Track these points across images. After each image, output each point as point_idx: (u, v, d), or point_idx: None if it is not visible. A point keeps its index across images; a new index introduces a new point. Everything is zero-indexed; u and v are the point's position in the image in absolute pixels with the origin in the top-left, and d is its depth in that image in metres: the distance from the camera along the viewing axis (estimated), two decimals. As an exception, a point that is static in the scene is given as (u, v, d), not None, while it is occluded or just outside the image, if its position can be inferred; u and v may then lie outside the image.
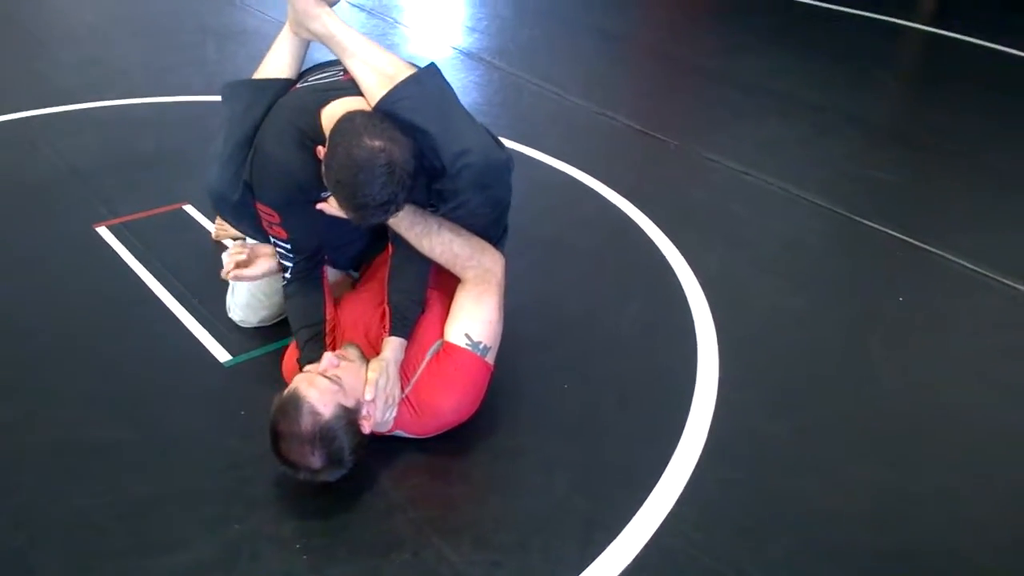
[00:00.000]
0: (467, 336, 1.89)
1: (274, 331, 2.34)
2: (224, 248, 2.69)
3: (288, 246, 1.93)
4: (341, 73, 1.96)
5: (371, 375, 1.82)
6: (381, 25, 5.21)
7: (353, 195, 1.70)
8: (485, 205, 1.87)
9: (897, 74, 5.12)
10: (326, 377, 1.76)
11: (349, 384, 1.79)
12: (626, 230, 3.00)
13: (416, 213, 1.90)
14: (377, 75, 1.83)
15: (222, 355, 2.25)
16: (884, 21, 5.88)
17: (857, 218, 3.13)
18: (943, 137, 3.94)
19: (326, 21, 1.93)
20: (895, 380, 2.33)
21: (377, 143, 1.66)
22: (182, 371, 2.20)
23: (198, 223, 2.87)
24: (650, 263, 2.80)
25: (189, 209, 2.94)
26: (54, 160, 3.23)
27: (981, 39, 5.39)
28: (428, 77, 1.83)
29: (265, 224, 1.92)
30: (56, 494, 1.82)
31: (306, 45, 2.05)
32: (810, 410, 2.21)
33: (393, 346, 1.89)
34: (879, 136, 4.02)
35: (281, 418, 1.73)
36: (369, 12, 5.50)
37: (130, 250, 2.68)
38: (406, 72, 1.83)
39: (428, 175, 1.82)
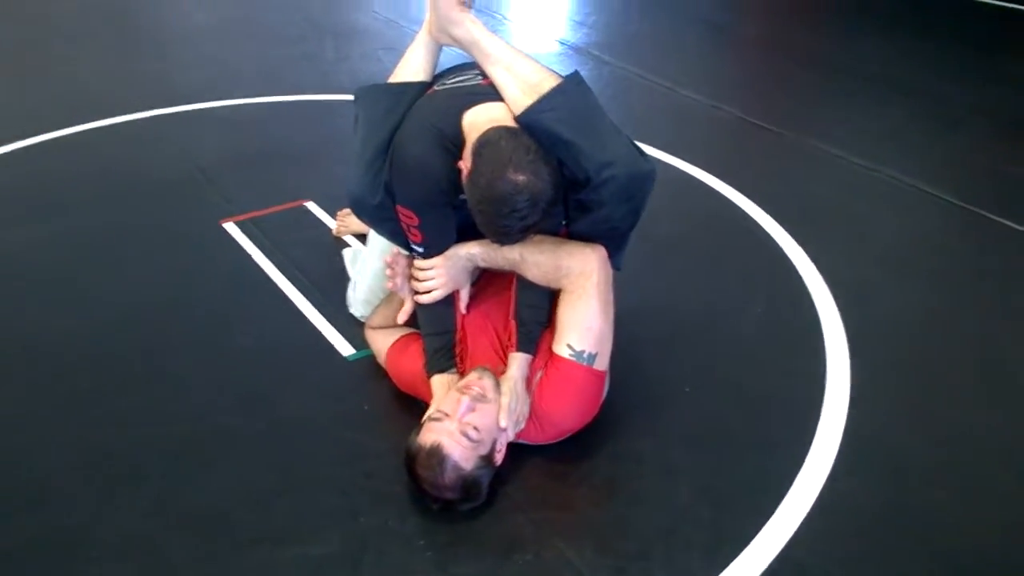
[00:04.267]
0: (569, 347, 1.85)
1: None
2: (344, 244, 2.75)
3: (422, 249, 1.94)
4: (480, 77, 1.96)
5: (503, 400, 1.82)
6: (486, 20, 5.20)
7: (491, 222, 1.72)
8: (627, 217, 1.84)
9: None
10: (466, 435, 1.76)
11: (485, 427, 1.79)
12: (745, 227, 2.92)
13: (498, 248, 1.89)
14: (520, 84, 1.82)
15: (345, 349, 2.29)
16: (1016, 10, 5.54)
17: (987, 214, 2.95)
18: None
19: (470, 27, 1.92)
20: (1039, 388, 2.19)
21: (521, 178, 1.66)
22: (307, 363, 2.25)
23: (319, 220, 2.93)
24: (772, 262, 2.71)
25: (310, 206, 3.01)
26: (180, 158, 3.36)
27: None
28: (572, 86, 1.81)
29: (404, 227, 1.94)
30: (186, 482, 1.89)
31: (440, 49, 2.06)
32: (947, 417, 2.10)
33: (520, 363, 1.89)
34: (1010, 130, 3.79)
35: (423, 467, 1.75)
36: (474, 8, 5.51)
37: (257, 245, 2.75)
38: (550, 81, 1.81)
39: (570, 185, 1.80)
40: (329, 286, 2.55)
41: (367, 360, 2.25)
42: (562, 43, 4.87)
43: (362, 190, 1.95)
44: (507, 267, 1.94)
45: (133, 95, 3.93)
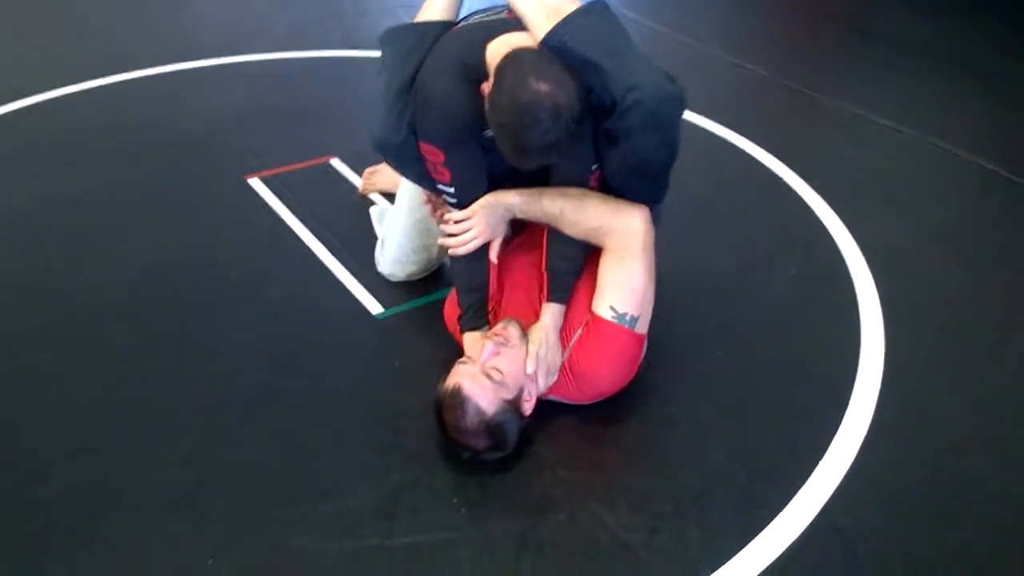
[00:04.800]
0: (612, 308, 1.84)
1: (424, 285, 2.36)
2: (371, 202, 2.73)
3: (451, 189, 1.91)
4: (505, 12, 1.92)
5: (531, 348, 1.80)
6: None
7: (515, 138, 1.66)
8: (659, 149, 1.79)
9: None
10: (487, 376, 1.76)
11: (510, 373, 1.78)
12: (776, 190, 2.87)
13: (538, 200, 1.86)
14: (543, 9, 1.77)
15: (374, 307, 2.28)
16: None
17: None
18: None
19: None
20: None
21: (543, 86, 1.61)
22: (336, 322, 2.24)
23: (345, 177, 2.91)
24: (806, 227, 2.67)
25: (336, 163, 2.98)
26: (203, 114, 3.33)
27: None
28: (597, 9, 1.77)
29: (429, 166, 1.91)
30: (221, 438, 1.89)
31: None
32: (983, 384, 2.08)
33: (552, 312, 1.87)
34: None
35: (446, 410, 1.75)
36: None
37: (283, 202, 2.73)
38: (573, 6, 1.77)
39: (597, 113, 1.76)
40: (356, 244, 2.53)
41: (397, 318, 2.24)
42: None
43: (385, 129, 1.92)
44: (545, 221, 1.90)
45: (155, 49, 3.89)
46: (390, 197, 2.72)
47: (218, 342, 2.16)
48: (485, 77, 1.77)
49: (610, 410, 1.94)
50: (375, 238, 2.52)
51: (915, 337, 2.20)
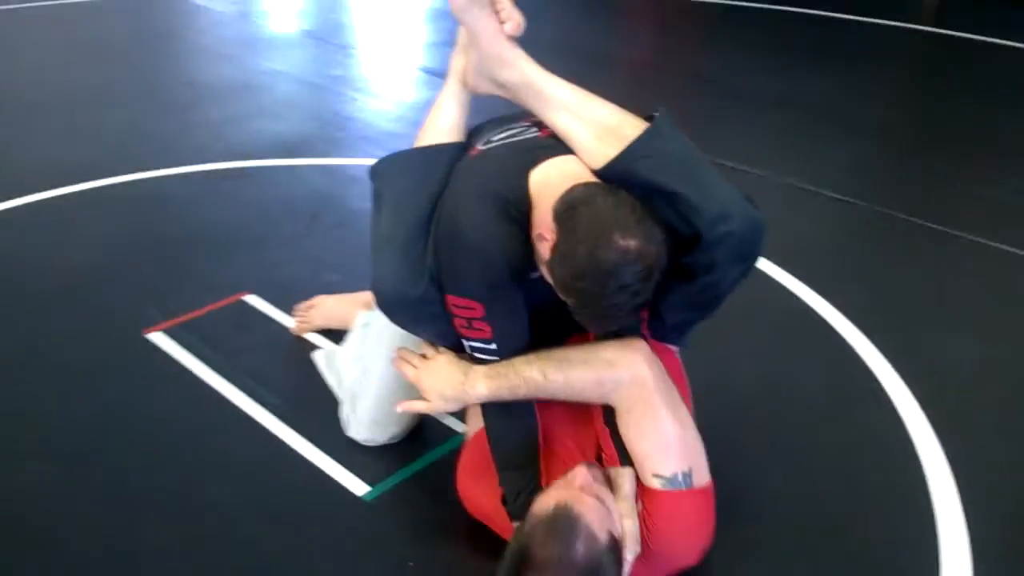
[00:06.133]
0: (657, 477, 1.47)
1: (409, 444, 1.92)
2: (311, 345, 2.26)
3: (493, 346, 1.51)
4: (536, 129, 1.58)
5: (627, 524, 1.42)
6: (330, 51, 4.87)
7: (593, 304, 1.33)
8: (736, 280, 1.48)
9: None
10: (595, 497, 1.38)
11: (614, 511, 1.41)
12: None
13: (509, 375, 1.51)
14: (596, 129, 1.44)
15: (357, 486, 1.81)
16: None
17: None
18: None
19: (524, 67, 1.54)
20: None
21: (632, 243, 1.29)
22: (315, 515, 1.74)
23: (266, 315, 2.42)
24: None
25: (251, 300, 2.49)
26: (79, 250, 2.74)
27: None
28: (666, 126, 1.45)
29: (460, 323, 1.51)
30: None
31: (471, 102, 1.67)
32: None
33: (631, 479, 1.49)
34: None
35: (547, 541, 1.32)
36: (316, 38, 5.16)
37: (199, 357, 2.21)
38: (631, 122, 1.45)
39: (677, 249, 1.43)
40: (308, 402, 2.06)
41: (391, 497, 1.78)
42: (423, 70, 4.57)
43: (398, 283, 1.50)
44: (524, 395, 1.51)
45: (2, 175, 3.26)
46: (333, 336, 2.28)
47: (166, 560, 1.62)
48: (528, 214, 1.43)
49: None
50: (326, 391, 2.06)
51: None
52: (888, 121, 4.21)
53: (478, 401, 1.54)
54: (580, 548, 1.31)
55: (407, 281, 1.49)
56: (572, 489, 1.41)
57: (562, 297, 1.38)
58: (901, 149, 3.87)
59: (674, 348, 1.71)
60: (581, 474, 1.44)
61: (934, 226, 2.96)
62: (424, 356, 1.63)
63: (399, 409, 1.65)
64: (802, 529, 1.73)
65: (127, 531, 1.70)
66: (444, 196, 1.52)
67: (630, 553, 1.40)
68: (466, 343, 1.53)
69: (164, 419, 2.02)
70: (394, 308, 1.56)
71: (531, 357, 1.50)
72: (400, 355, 1.66)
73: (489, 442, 1.58)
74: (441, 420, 1.99)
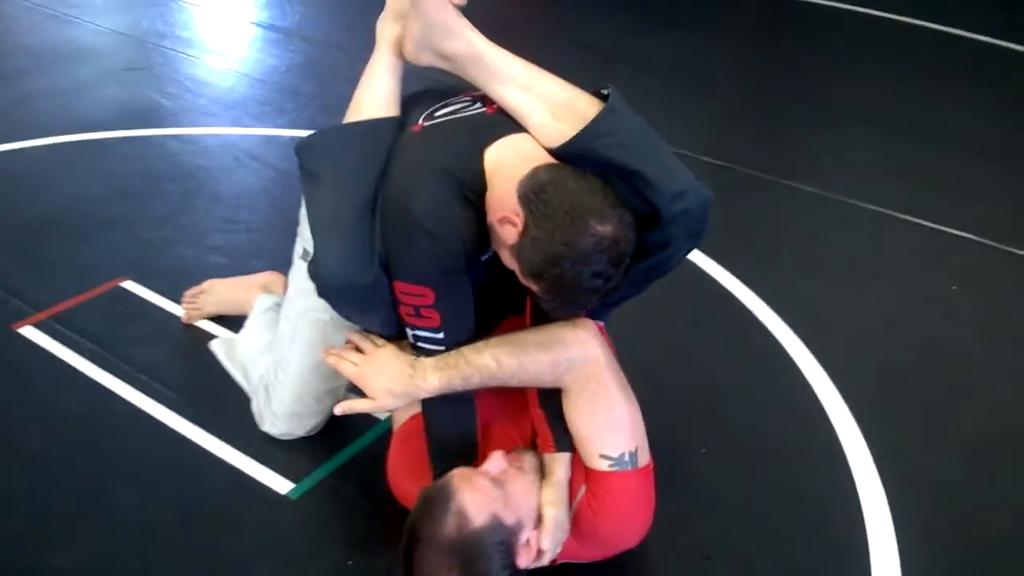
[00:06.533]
0: (604, 457, 1.46)
1: (328, 436, 1.84)
2: (203, 332, 2.12)
3: (440, 335, 1.45)
4: (480, 104, 1.50)
5: (549, 511, 1.41)
6: (168, 9, 4.61)
7: (566, 291, 1.31)
8: (684, 256, 1.48)
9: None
10: (487, 479, 1.37)
11: (515, 496, 1.39)
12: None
13: (459, 364, 1.46)
14: (549, 105, 1.39)
15: (280, 484, 1.72)
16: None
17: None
18: None
19: (471, 38, 1.45)
20: None
21: (608, 228, 1.27)
22: (239, 518, 1.64)
23: (150, 302, 2.24)
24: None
25: (129, 286, 2.29)
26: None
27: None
28: (620, 103, 1.41)
29: (406, 311, 1.43)
30: None
31: (403, 72, 1.57)
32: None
33: (565, 464, 1.48)
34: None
35: (422, 517, 1.33)
36: None
37: (79, 352, 2.02)
38: (584, 98, 1.40)
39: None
40: (209, 396, 1.93)
41: (317, 493, 1.70)
42: (257, 24, 4.43)
43: (346, 270, 1.41)
44: (477, 384, 1.46)
45: None
46: (227, 322, 2.14)
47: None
48: (482, 195, 1.37)
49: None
50: (229, 383, 1.94)
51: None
52: (747, 85, 4.37)
53: (428, 395, 1.47)
54: (449, 525, 1.30)
55: (355, 268, 1.41)
56: (471, 470, 1.40)
57: (526, 283, 1.34)
58: (759, 113, 4.02)
59: (601, 324, 1.72)
60: (493, 458, 1.42)
61: (807, 188, 3.12)
62: (358, 350, 1.55)
63: (338, 411, 1.54)
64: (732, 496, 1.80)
65: (28, 559, 1.54)
66: (389, 176, 1.43)
67: (546, 541, 1.39)
68: (410, 332, 1.47)
69: (52, 425, 1.84)
70: (340, 297, 1.47)
71: (479, 345, 1.46)
72: (333, 352, 1.56)
73: (428, 437, 1.53)
74: (360, 408, 1.91)
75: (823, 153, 3.44)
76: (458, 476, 1.37)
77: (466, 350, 1.45)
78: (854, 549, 1.67)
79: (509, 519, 1.36)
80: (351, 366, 1.52)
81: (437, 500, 1.33)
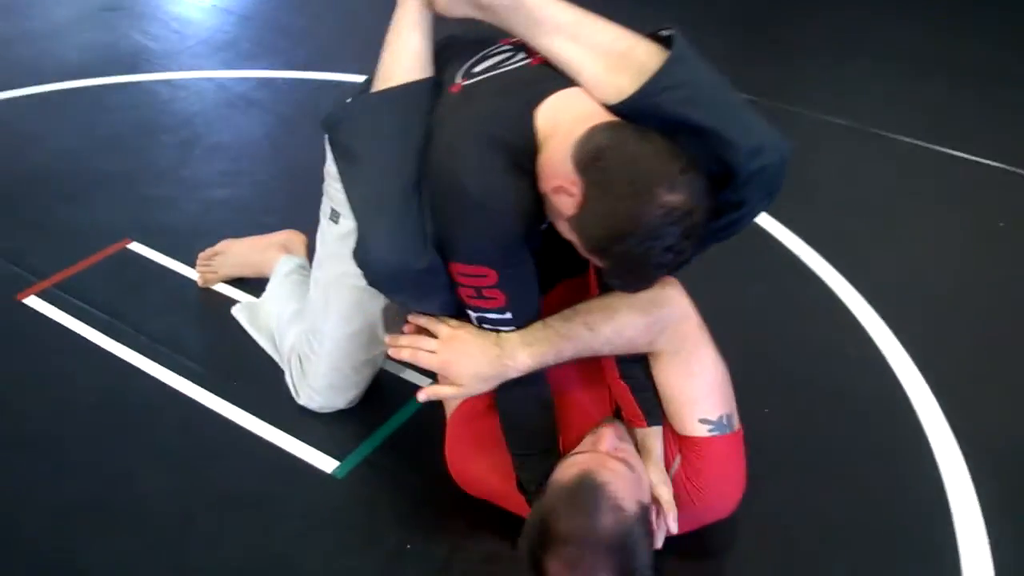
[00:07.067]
0: (704, 422, 1.37)
1: (370, 407, 1.72)
2: (222, 297, 1.98)
3: (508, 315, 1.31)
4: (523, 54, 1.34)
5: (663, 492, 1.33)
6: None
7: (634, 267, 1.18)
8: (757, 214, 1.35)
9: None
10: (624, 463, 1.28)
11: (644, 476, 1.32)
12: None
13: (554, 335, 1.33)
14: (604, 58, 1.24)
15: (324, 462, 1.60)
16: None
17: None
18: None
19: None
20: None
21: (678, 198, 1.12)
22: (284, 500, 1.54)
23: (160, 265, 2.09)
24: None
25: (136, 248, 2.14)
26: None
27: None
28: (687, 50, 1.26)
29: (467, 293, 1.30)
30: None
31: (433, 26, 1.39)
32: None
33: (660, 439, 1.38)
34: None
35: (569, 513, 1.21)
36: None
37: (89, 323, 1.88)
38: (643, 46, 1.24)
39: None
40: (241, 368, 1.81)
41: (363, 471, 1.60)
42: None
43: (398, 254, 1.26)
44: (569, 357, 1.34)
45: None
46: (246, 285, 2.00)
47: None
48: (535, 157, 1.22)
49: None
50: (257, 351, 1.82)
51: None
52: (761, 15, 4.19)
53: (519, 374, 1.33)
54: (606, 520, 1.20)
55: (408, 252, 1.26)
56: (598, 454, 1.30)
57: (590, 257, 1.21)
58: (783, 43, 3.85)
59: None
60: (607, 436, 1.32)
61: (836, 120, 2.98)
62: (429, 334, 1.38)
63: (421, 398, 1.40)
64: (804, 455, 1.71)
65: (50, 557, 1.42)
66: (433, 147, 1.28)
67: (672, 523, 1.32)
68: (473, 314, 1.33)
69: (69, 405, 1.71)
70: (394, 284, 1.32)
71: (567, 313, 1.33)
72: (403, 344, 1.40)
73: (502, 419, 1.41)
74: (400, 375, 1.79)
75: (848, 84, 3.29)
76: (593, 463, 1.26)
77: (552, 320, 1.33)
78: (936, 507, 1.59)
79: (646, 498, 1.30)
80: (429, 355, 1.37)
81: (583, 493, 1.22)
